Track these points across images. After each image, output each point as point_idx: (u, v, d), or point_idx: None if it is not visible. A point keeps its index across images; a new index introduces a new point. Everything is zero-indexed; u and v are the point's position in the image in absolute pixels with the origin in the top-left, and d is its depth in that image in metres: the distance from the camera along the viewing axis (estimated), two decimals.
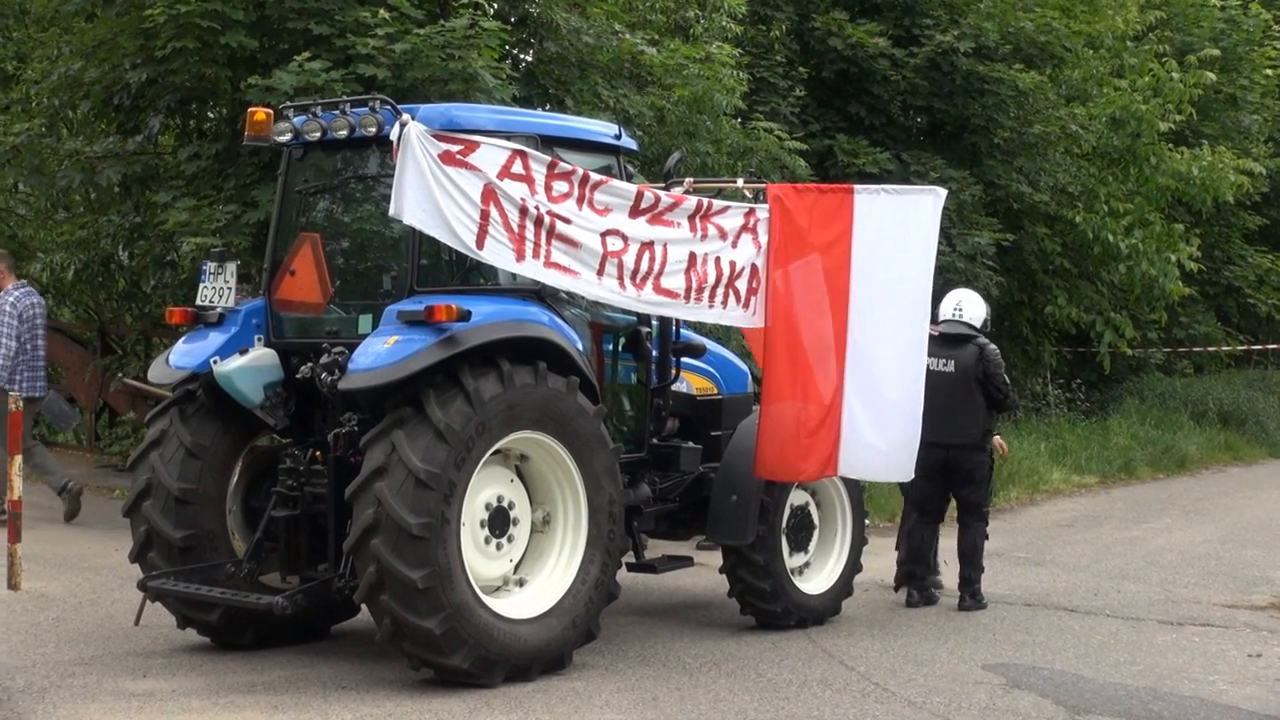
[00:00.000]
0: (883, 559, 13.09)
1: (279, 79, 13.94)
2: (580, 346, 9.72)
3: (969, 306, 12.18)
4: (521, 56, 16.65)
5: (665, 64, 17.30)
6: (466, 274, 9.74)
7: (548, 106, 15.90)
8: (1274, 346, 31.10)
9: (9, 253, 16.25)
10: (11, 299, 14.93)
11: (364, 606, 9.25)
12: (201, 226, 14.49)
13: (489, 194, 9.10)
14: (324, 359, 9.45)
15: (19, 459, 11.83)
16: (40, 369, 15.05)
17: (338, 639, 10.30)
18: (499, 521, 9.27)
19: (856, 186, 10.82)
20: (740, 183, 11.50)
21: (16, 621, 10.74)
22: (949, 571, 12.50)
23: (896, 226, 10.73)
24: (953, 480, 12.06)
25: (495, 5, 16.84)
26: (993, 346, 12.07)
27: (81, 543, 13.96)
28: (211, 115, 16.62)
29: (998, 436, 12.42)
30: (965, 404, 11.80)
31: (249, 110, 10.04)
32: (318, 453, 9.64)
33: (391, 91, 13.30)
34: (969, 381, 11.84)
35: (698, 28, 19.48)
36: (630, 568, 10.57)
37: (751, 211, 10.38)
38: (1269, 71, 30.20)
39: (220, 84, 15.39)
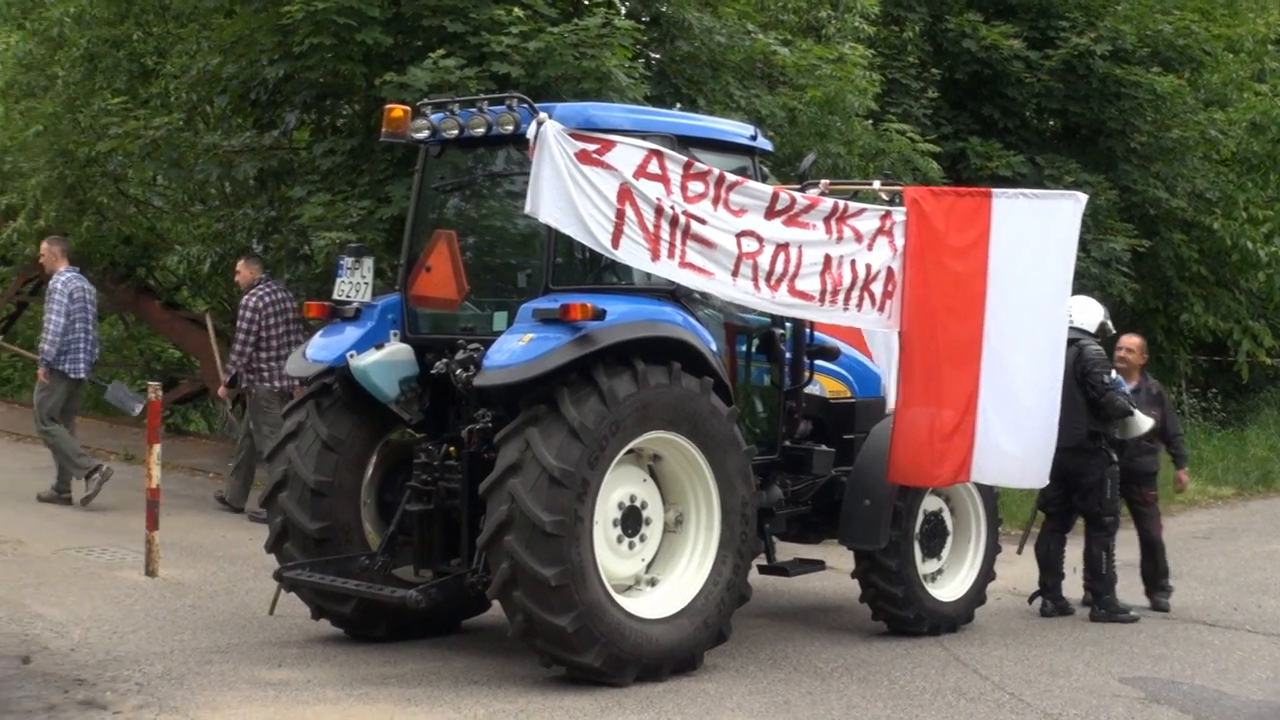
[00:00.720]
0: (1015, 567, 12.96)
1: (413, 76, 14.06)
2: (714, 347, 9.72)
3: (1079, 311, 12.01)
4: (653, 55, 16.66)
5: (798, 64, 17.24)
6: (600, 273, 9.77)
7: (679, 106, 15.90)
8: None
9: (63, 237, 16.65)
10: (63, 279, 15.31)
11: (495, 602, 9.32)
12: (336, 221, 14.64)
13: (625, 193, 9.13)
14: (459, 355, 9.54)
15: (157, 448, 12.03)
16: (82, 352, 15.34)
17: (468, 633, 10.39)
18: (631, 521, 9.30)
19: (995, 190, 10.73)
20: (876, 185, 11.46)
21: (154, 608, 10.94)
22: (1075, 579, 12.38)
23: (1035, 231, 10.62)
24: (1069, 486, 11.93)
25: (627, 4, 16.89)
26: (1094, 347, 11.89)
27: (215, 531, 14.19)
28: (345, 111, 16.79)
29: (1183, 471, 12.29)
30: (1070, 406, 11.61)
31: (386, 107, 10.17)
32: (451, 448, 9.73)
33: (524, 89, 13.37)
34: (1071, 383, 11.66)
35: (830, 28, 19.40)
36: (762, 570, 10.56)
37: (888, 214, 10.33)
38: None
39: (355, 80, 15.54)
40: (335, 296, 10.28)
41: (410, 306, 10.10)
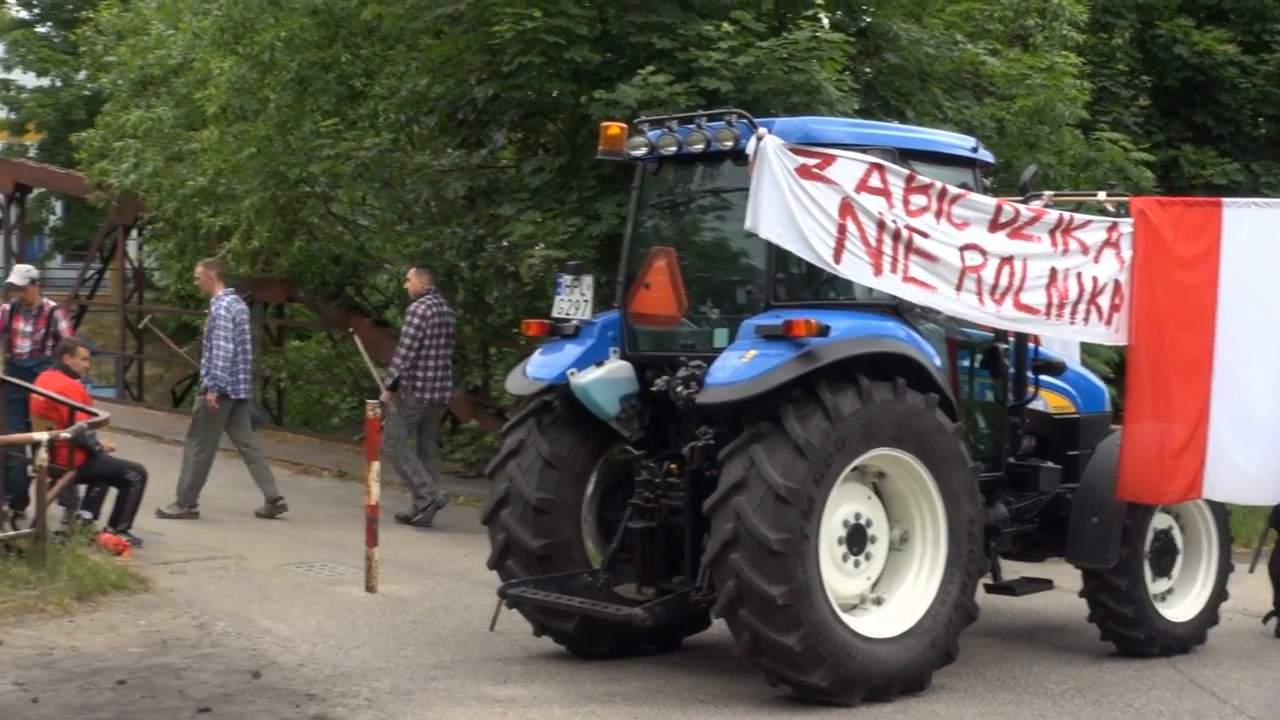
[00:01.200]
0: (1245, 586, 12.60)
1: (623, 93, 14.13)
2: (938, 363, 9.60)
3: None
4: (862, 69, 16.54)
5: (1007, 74, 17.02)
6: (819, 288, 9.70)
7: (886, 118, 15.78)
8: None
9: (218, 260, 16.99)
10: (225, 303, 15.54)
11: (717, 620, 9.29)
12: (546, 239, 14.78)
13: (846, 208, 9.06)
14: (681, 372, 9.54)
15: (376, 465, 12.20)
16: (242, 373, 15.61)
17: (689, 651, 10.38)
18: (857, 539, 9.22)
19: (1225, 200, 10.46)
20: (1101, 196, 11.23)
21: (376, 624, 11.10)
22: None
23: (1268, 242, 10.32)
24: None
25: (831, 17, 16.80)
26: None
27: (431, 547, 14.37)
28: (550, 129, 16.94)
29: None
30: None
31: (603, 124, 10.23)
32: (673, 465, 9.73)
33: (733, 104, 13.36)
34: None
35: (1038, 36, 19.11)
36: (988, 589, 10.40)
37: (1114, 226, 10.11)
38: None
39: (563, 98, 15.69)
40: (554, 314, 10.35)
41: (630, 324, 10.13)
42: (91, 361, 15.02)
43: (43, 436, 12.48)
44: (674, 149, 9.76)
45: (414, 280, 15.89)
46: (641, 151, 9.95)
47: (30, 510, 13.05)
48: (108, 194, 24.61)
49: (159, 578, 12.37)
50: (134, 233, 27.05)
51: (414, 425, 15.75)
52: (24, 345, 15.35)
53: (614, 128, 10.06)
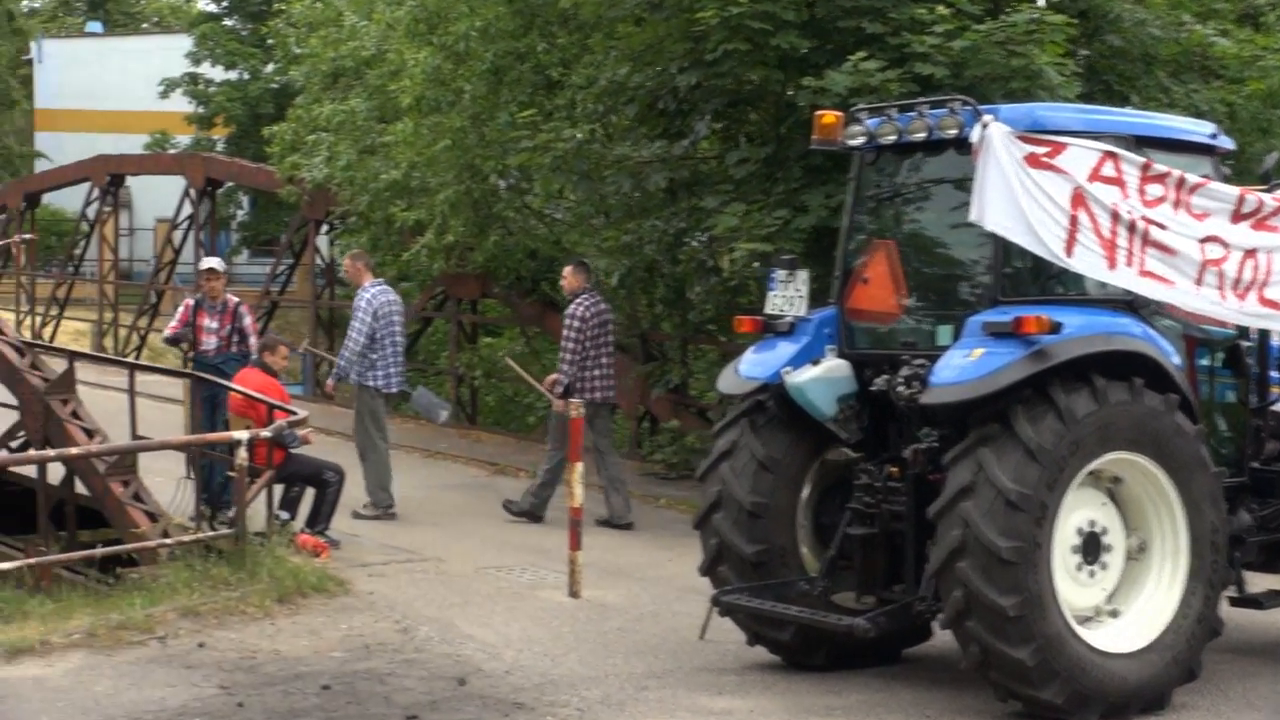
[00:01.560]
0: None
1: (831, 80, 14.01)
2: (1176, 361, 9.37)
3: None
4: (1081, 51, 16.22)
5: (1239, 55, 16.59)
6: (1048, 283, 9.52)
7: (1109, 104, 15.45)
8: None
9: (365, 251, 17.08)
10: (367, 296, 15.68)
11: (939, 631, 9.17)
12: (751, 232, 14.71)
13: (1078, 198, 8.90)
14: (903, 371, 9.43)
15: (580, 466, 12.25)
16: (391, 366, 15.68)
17: (910, 663, 10.26)
18: (1091, 547, 9.03)
19: None
20: None
21: (582, 630, 11.15)
22: None
23: None
24: None
25: None
26: None
27: (633, 551, 14.41)
28: (755, 118, 16.87)
29: None
30: None
31: (817, 113, 10.17)
32: (894, 469, 9.63)
33: (949, 91, 13.16)
34: None
35: (1270, 16, 18.62)
36: (1233, 602, 10.11)
37: None
38: None
39: (768, 86, 15.61)
40: (767, 311, 10.29)
41: (847, 320, 10.05)
42: (291, 358, 15.30)
43: (242, 435, 12.74)
44: (893, 138, 9.68)
45: (570, 278, 15.91)
46: (859, 141, 9.87)
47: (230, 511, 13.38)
48: (299, 188, 25.06)
49: (358, 580, 12.56)
50: (325, 228, 27.46)
51: (595, 432, 15.80)
52: (210, 342, 15.50)
53: (829, 116, 10.00)
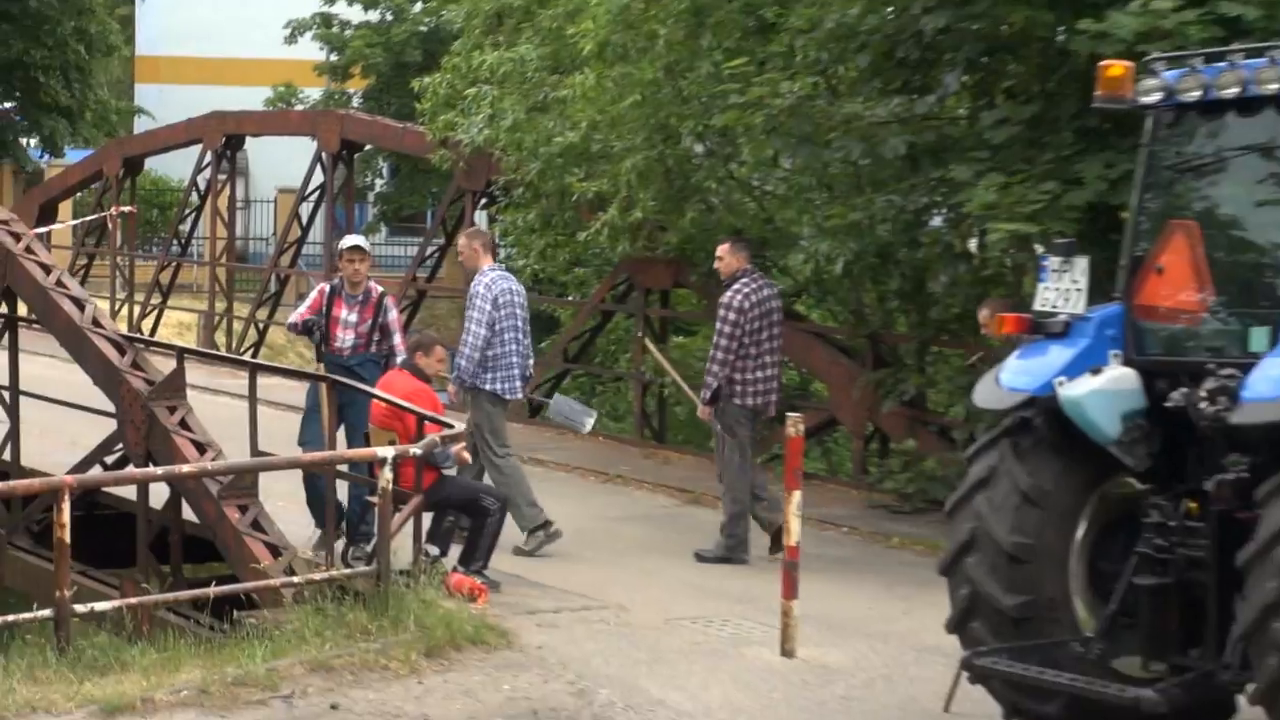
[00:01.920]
0: None
1: (1115, 22, 13.91)
2: None
3: None
4: None
5: None
6: None
7: None
8: None
9: (482, 230, 17.25)
10: (486, 280, 15.82)
11: (1247, 707, 9.08)
12: (1011, 210, 14.64)
13: None
14: (1206, 383, 9.36)
15: (797, 495, 12.29)
16: (516, 367, 15.89)
17: None
18: None
19: None
20: None
21: (797, 697, 11.23)
22: None
23: None
24: None
25: None
26: None
27: (857, 600, 14.44)
28: (1017, 70, 16.78)
29: None
30: None
31: (1102, 64, 10.13)
32: (1192, 504, 9.55)
33: (1261, 36, 13.01)
34: None
35: None
36: None
37: None
38: None
39: (1035, 31, 15.53)
40: (1037, 307, 10.25)
41: (1136, 320, 9.98)
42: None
43: (387, 452, 12.94)
44: (1198, 94, 9.60)
45: (726, 258, 16.02)
46: (1154, 98, 9.83)
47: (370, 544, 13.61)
48: (454, 153, 25.34)
49: (524, 631, 12.72)
50: (484, 201, 27.75)
51: (748, 442, 15.93)
52: (346, 338, 15.41)
53: (1117, 67, 9.97)
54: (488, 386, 15.80)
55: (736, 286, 15.80)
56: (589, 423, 18.29)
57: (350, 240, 15.92)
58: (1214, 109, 9.84)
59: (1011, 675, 9.73)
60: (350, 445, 14.82)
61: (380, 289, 15.74)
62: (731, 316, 15.66)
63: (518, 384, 16.04)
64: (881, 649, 12.69)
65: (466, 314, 15.95)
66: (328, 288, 15.63)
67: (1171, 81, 9.80)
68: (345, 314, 15.44)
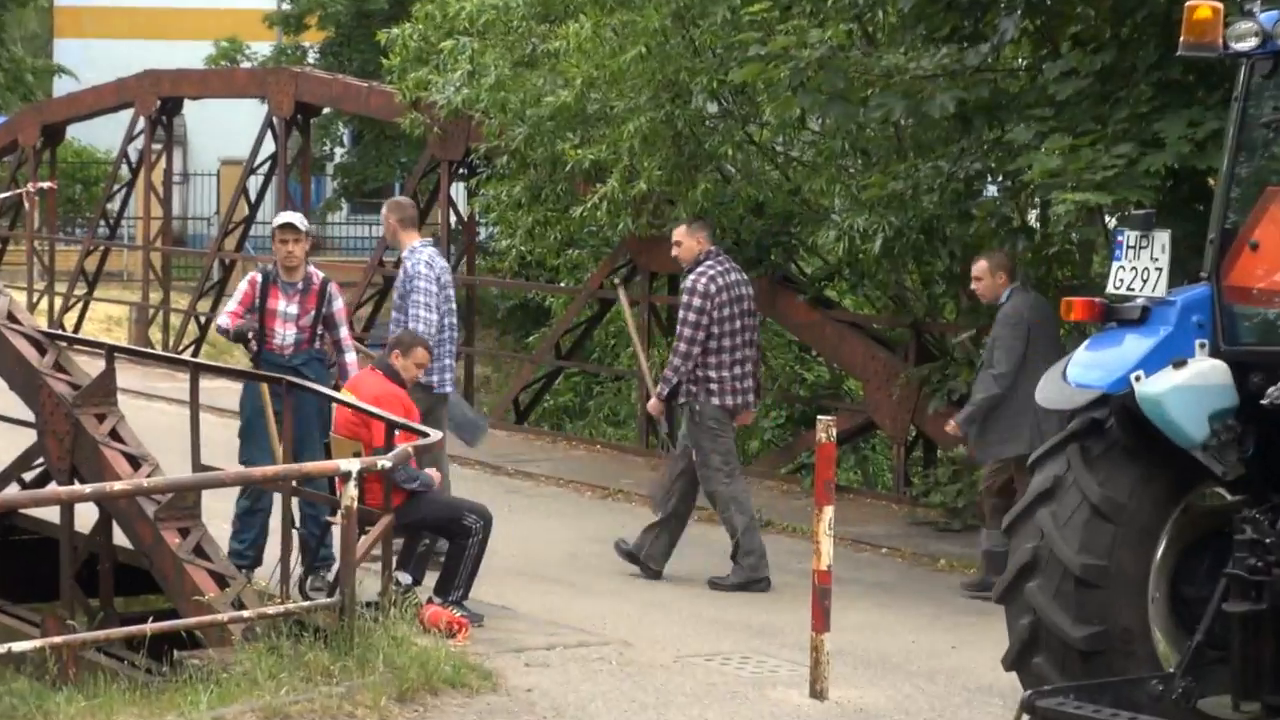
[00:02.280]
0: None
1: None
2: None
3: None
4: None
5: None
6: None
7: None
8: None
9: (403, 201, 17.53)
10: (425, 256, 16.01)
11: None
12: (1080, 176, 14.62)
13: None
14: None
15: (829, 511, 12.26)
16: (448, 357, 16.13)
17: None
18: None
19: None
20: None
21: None
22: None
23: None
24: None
25: None
26: None
27: (900, 633, 14.47)
28: (1085, 13, 16.77)
29: None
30: None
31: (1188, 6, 10.11)
32: None
33: None
34: None
35: None
36: None
37: None
38: None
39: None
40: (1110, 289, 10.24)
41: (1226, 303, 9.99)
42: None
43: (352, 465, 12.90)
44: None
45: (685, 241, 16.16)
46: (1249, 44, 9.84)
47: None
48: (427, 116, 25.32)
49: (510, 671, 12.72)
50: (462, 172, 27.74)
51: (728, 446, 16.07)
52: (286, 334, 15.30)
53: (1204, 9, 9.96)
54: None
55: (700, 269, 15.94)
56: (480, 435, 18.10)
57: (283, 217, 15.80)
58: None
59: (1080, 718, 9.69)
60: (300, 459, 14.76)
61: (322, 274, 15.70)
62: (696, 302, 15.79)
63: (449, 376, 16.33)
64: (927, 689, 12.69)
65: (408, 298, 16.00)
66: (259, 276, 15.46)
67: (1269, 25, 9.80)
68: (283, 306, 15.32)
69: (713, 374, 15.82)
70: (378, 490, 13.47)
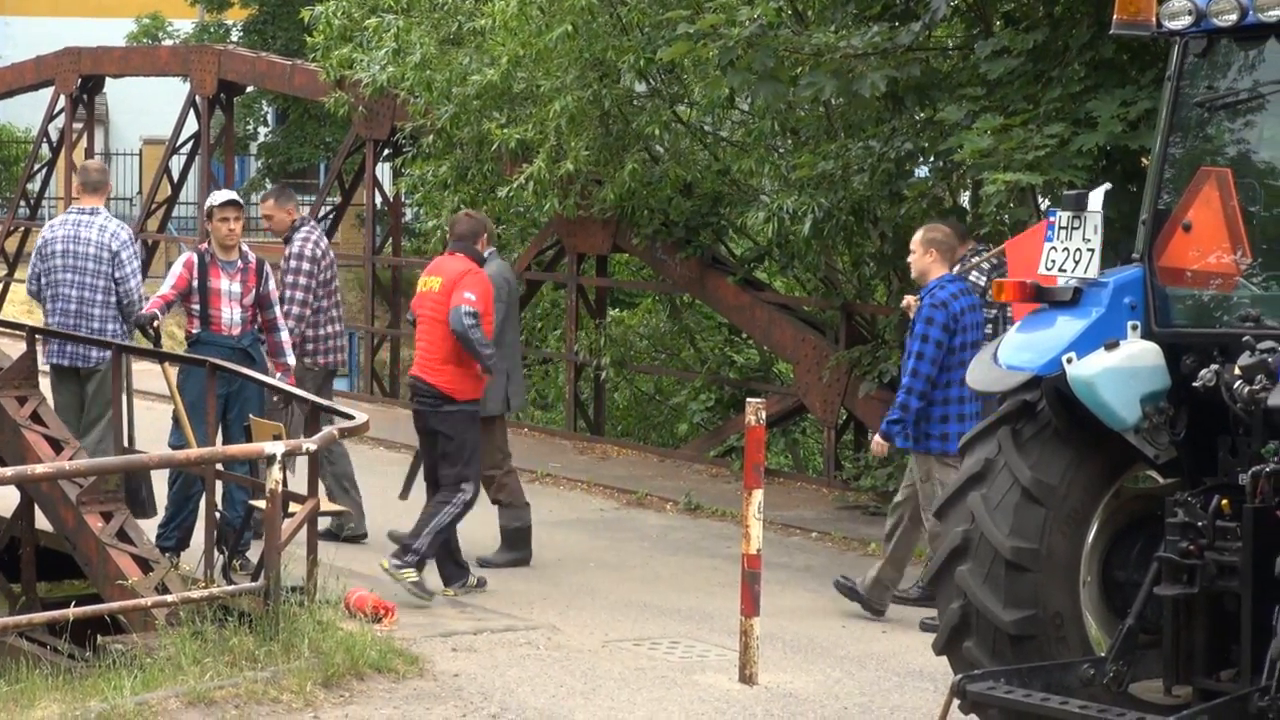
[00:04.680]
0: None
1: None
2: None
3: None
4: None
5: None
6: None
7: None
8: None
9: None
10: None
11: None
12: (1012, 156, 14.67)
13: None
14: (1241, 360, 9.37)
15: (759, 494, 12.27)
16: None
17: None
18: None
19: None
20: None
21: None
22: None
23: None
24: None
25: None
26: None
27: (828, 617, 14.48)
28: None
29: None
30: None
31: None
32: (1224, 501, 9.55)
33: None
34: None
35: None
36: None
37: None
38: None
39: None
40: (1042, 269, 10.24)
41: (1158, 285, 10.00)
42: None
43: (277, 448, 12.86)
44: (1234, 17, 9.62)
45: (277, 214, 16.62)
46: (1183, 22, 9.84)
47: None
48: (352, 95, 25.27)
49: (437, 656, 12.74)
50: (388, 152, 27.70)
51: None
52: (234, 314, 15.23)
53: None
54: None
55: (303, 234, 16.29)
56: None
57: (224, 195, 15.70)
58: (1253, 35, 9.85)
59: (1011, 703, 9.66)
60: (228, 441, 14.78)
61: (253, 254, 15.68)
62: (305, 267, 16.16)
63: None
64: (857, 674, 12.72)
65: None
66: (194, 258, 15.37)
67: (1202, 4, 9.80)
68: (226, 285, 15.25)
69: (310, 332, 16.40)
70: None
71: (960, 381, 13.48)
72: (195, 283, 15.19)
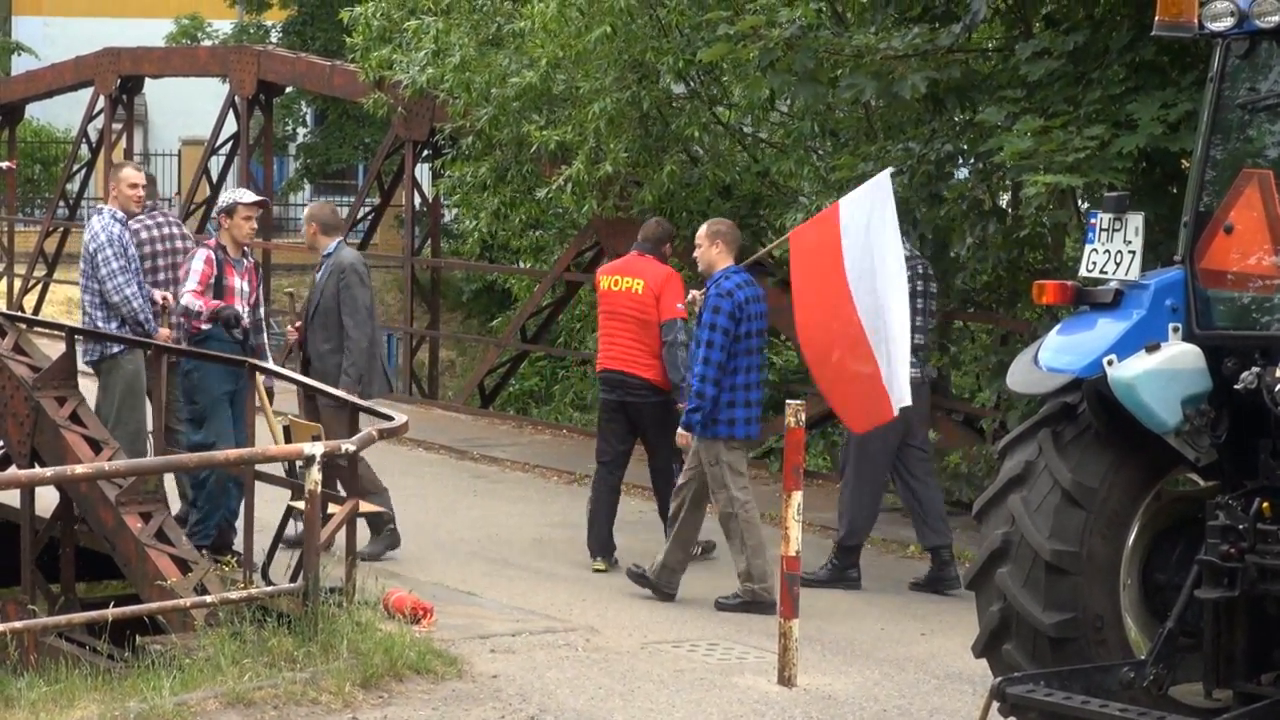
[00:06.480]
0: None
1: None
2: None
3: None
4: None
5: None
6: None
7: None
8: None
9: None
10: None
11: None
12: (1052, 158, 14.64)
13: None
14: None
15: (798, 496, 12.28)
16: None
17: None
18: None
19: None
20: None
21: None
22: None
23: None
24: None
25: None
26: None
27: (867, 620, 14.49)
28: None
29: None
30: None
31: None
32: (1265, 504, 9.56)
33: None
34: None
35: None
36: None
37: None
38: None
39: None
40: (1083, 272, 10.24)
41: (1200, 287, 9.99)
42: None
43: (316, 449, 12.87)
44: (1277, 19, 9.64)
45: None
46: (1225, 24, 9.85)
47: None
48: (391, 97, 25.26)
49: (476, 658, 12.74)
50: (427, 153, 27.69)
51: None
52: (245, 313, 15.52)
53: None
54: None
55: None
56: None
57: (250, 194, 16.01)
58: None
59: (1051, 705, 9.68)
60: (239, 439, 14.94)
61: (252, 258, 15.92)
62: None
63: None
64: (896, 676, 12.72)
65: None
66: (213, 255, 15.49)
67: (1245, 5, 9.79)
68: (239, 284, 15.51)
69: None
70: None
71: (745, 369, 14.55)
72: (212, 280, 15.34)
